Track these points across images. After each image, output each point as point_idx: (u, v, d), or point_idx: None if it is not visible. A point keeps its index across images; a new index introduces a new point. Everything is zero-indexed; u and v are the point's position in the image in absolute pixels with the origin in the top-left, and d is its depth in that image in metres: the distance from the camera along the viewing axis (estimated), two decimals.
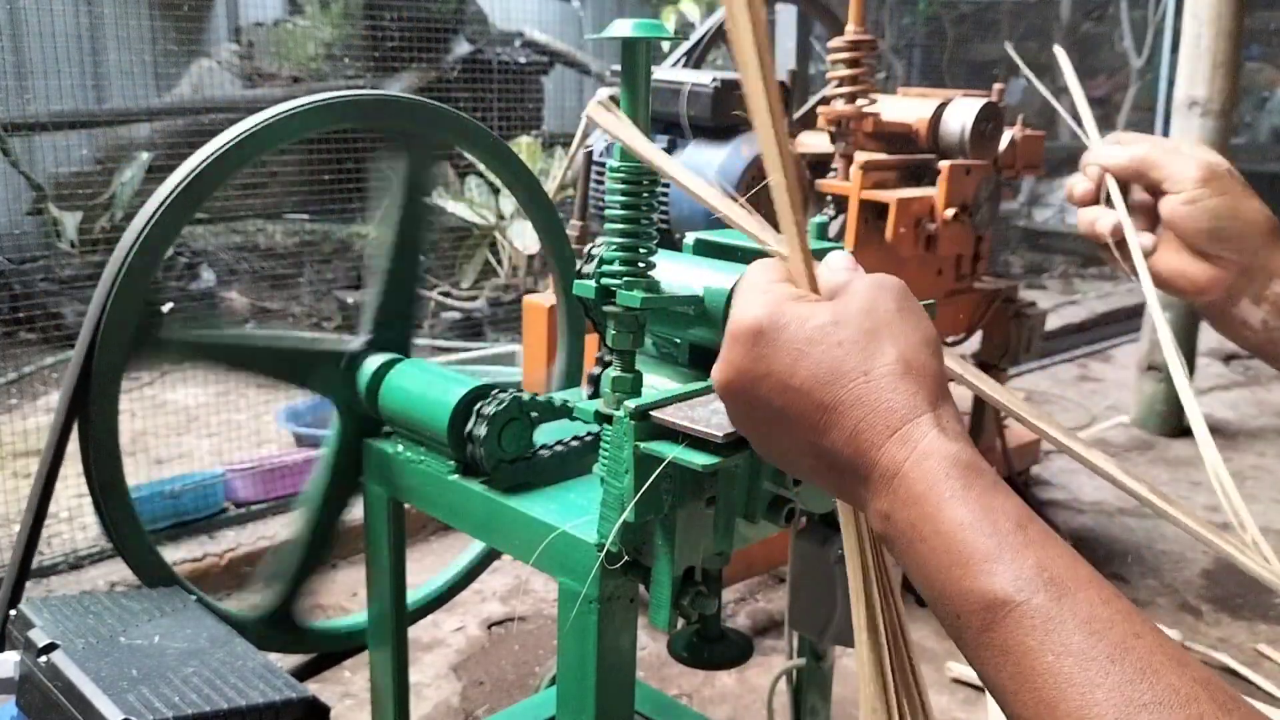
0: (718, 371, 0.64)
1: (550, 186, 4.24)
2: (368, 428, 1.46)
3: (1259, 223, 0.90)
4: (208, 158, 1.35)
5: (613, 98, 0.99)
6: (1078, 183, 1.01)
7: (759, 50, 0.65)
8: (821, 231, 1.23)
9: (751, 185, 2.37)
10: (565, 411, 1.29)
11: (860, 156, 2.68)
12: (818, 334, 0.59)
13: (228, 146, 1.36)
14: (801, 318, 0.61)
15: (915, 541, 0.56)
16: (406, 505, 1.44)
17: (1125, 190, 0.99)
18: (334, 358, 1.47)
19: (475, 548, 1.82)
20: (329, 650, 1.66)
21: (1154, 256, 0.95)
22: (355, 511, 1.53)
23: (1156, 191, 0.95)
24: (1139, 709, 0.48)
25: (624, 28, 1.03)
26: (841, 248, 1.18)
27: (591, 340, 1.86)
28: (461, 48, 5.60)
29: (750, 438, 0.67)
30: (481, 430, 1.24)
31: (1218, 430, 4.43)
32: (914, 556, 0.57)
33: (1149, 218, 0.97)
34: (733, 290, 0.76)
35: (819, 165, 2.77)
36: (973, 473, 0.56)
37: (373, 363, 1.45)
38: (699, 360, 1.15)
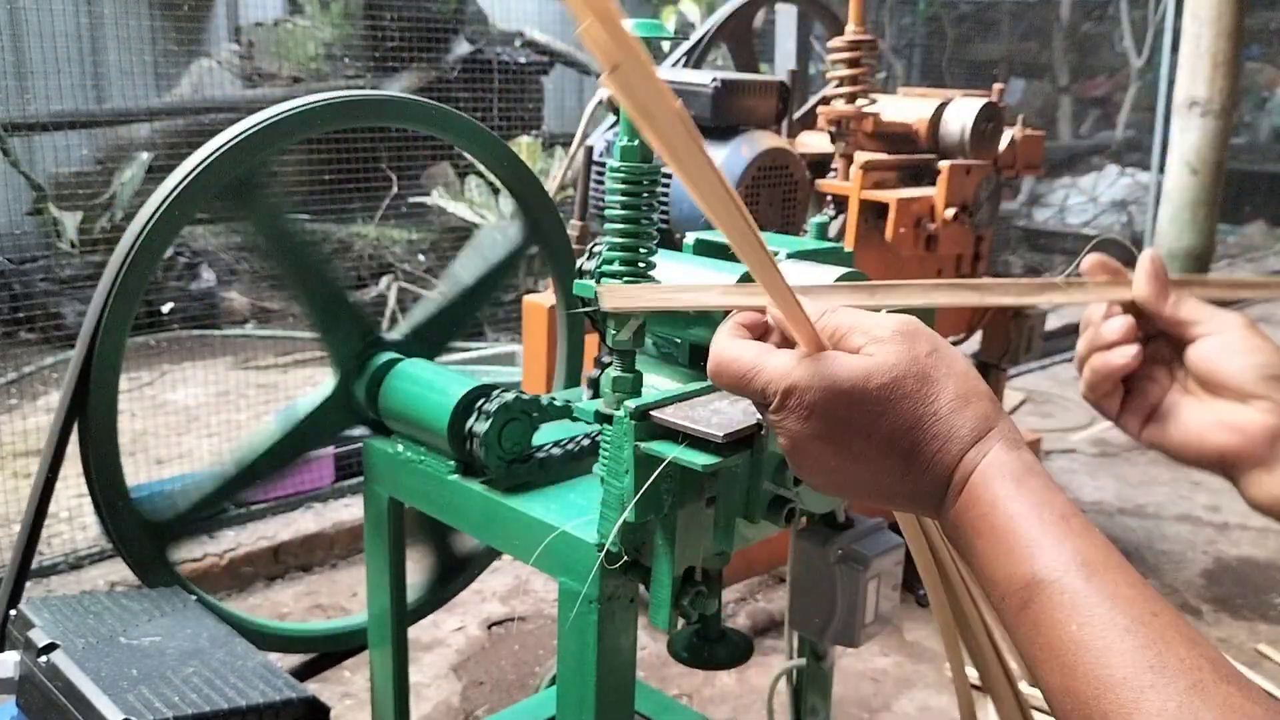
0: (784, 438, 0.70)
1: (550, 186, 4.24)
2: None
3: None
4: (207, 157, 1.35)
5: (612, 98, 0.99)
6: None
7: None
8: (821, 231, 1.23)
9: (752, 185, 2.36)
10: (565, 411, 1.29)
11: (860, 156, 2.68)
12: (885, 393, 0.67)
13: (228, 146, 1.36)
14: (863, 382, 0.67)
15: (974, 537, 0.65)
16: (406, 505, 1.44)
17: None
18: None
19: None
20: None
21: (1178, 414, 0.81)
22: (355, 511, 1.53)
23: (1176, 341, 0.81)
24: (1145, 670, 0.55)
25: None
26: (841, 248, 1.18)
27: (591, 340, 1.87)
28: (461, 48, 5.60)
29: (816, 478, 0.72)
30: (481, 430, 1.24)
31: None
32: (973, 550, 0.66)
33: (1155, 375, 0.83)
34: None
35: (819, 165, 2.77)
36: (1028, 474, 0.65)
37: (373, 363, 1.45)
38: (699, 360, 1.15)
